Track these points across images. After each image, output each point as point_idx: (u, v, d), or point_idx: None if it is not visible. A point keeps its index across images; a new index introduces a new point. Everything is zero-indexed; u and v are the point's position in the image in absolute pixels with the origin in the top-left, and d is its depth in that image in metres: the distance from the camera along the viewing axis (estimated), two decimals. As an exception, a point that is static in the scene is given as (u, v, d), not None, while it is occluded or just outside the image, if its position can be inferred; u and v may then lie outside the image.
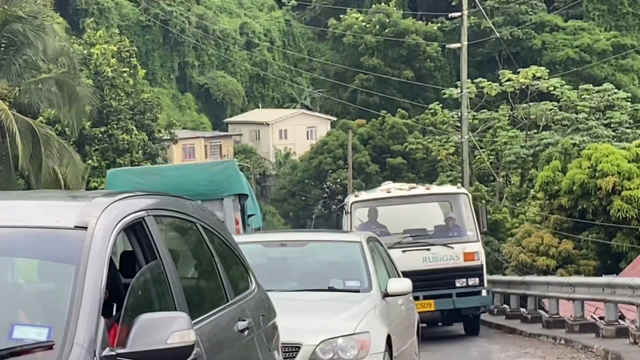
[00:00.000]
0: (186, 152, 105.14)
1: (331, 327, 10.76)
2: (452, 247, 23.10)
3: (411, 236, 23.36)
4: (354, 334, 10.66)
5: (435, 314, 23.79)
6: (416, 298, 19.29)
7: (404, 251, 22.46)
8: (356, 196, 24.70)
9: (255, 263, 12.48)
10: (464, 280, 23.06)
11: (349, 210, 23.71)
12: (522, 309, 26.71)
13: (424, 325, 23.85)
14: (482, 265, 23.42)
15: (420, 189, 25.56)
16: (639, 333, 17.81)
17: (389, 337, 11.07)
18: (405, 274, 18.33)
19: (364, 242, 12.72)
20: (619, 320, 20.06)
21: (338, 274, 12.52)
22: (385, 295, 12.08)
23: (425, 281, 21.92)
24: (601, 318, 21.48)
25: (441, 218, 24.48)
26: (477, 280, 23.15)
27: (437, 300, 22.85)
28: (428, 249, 23.09)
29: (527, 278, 27.87)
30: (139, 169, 40.07)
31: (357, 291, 11.94)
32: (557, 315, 23.53)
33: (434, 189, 27.18)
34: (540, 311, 25.15)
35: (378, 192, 25.34)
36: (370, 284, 12.02)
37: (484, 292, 23.48)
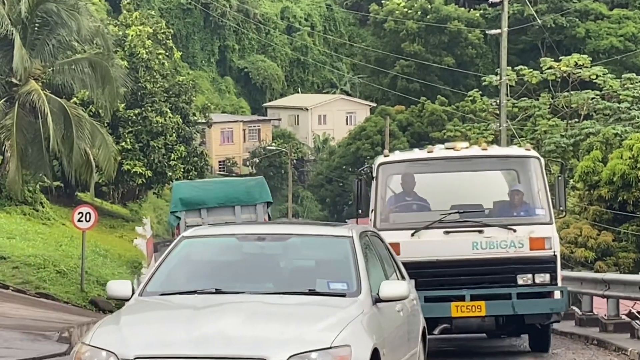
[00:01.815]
0: (224, 135, 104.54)
1: (304, 339, 8.94)
2: (515, 230, 16.85)
3: (458, 212, 17.27)
4: (331, 347, 8.85)
5: (487, 322, 17.41)
6: (461, 298, 16.64)
7: (446, 232, 16.87)
8: (386, 156, 18.29)
9: (227, 260, 10.90)
10: (529, 276, 16.86)
11: (375, 175, 17.78)
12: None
13: (470, 335, 19.79)
14: (555, 256, 16.95)
15: (475, 150, 18.62)
16: (676, 335, 16.73)
17: (375, 351, 9.33)
18: (448, 264, 16.62)
19: (356, 237, 10.76)
20: (656, 321, 18.95)
21: (322, 274, 10.29)
22: (377, 300, 10.19)
23: (475, 275, 16.85)
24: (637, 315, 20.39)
25: (504, 191, 18.12)
26: (547, 276, 16.86)
27: (490, 303, 16.74)
28: (480, 231, 16.88)
29: (561, 273, 26.60)
30: (197, 182, 44.67)
31: (344, 295, 10.03)
32: (591, 313, 22.35)
33: (495, 149, 20.01)
34: (574, 307, 23.80)
35: (417, 152, 19.12)
36: (359, 286, 10.10)
37: (557, 294, 16.96)
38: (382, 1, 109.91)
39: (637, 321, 19.18)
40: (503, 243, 16.88)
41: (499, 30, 50.61)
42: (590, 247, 49.68)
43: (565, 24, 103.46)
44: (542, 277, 16.87)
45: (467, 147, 18.44)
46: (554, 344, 18.83)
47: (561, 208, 18.24)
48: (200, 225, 39.93)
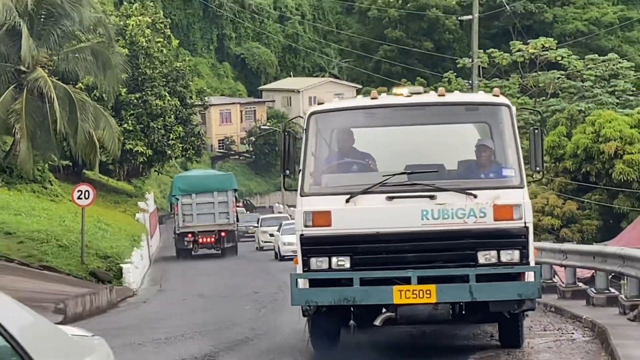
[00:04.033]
0: (223, 116, 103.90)
1: None
2: (475, 196, 12.35)
3: (405, 173, 12.73)
4: None
5: (440, 310, 12.45)
6: (406, 280, 12.26)
7: (389, 198, 12.40)
8: (319, 104, 13.75)
9: None
10: (493, 253, 12.39)
11: (305, 127, 13.22)
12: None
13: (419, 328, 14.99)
14: (526, 228, 12.45)
15: (430, 96, 13.73)
16: (628, 303, 16.11)
17: None
18: (391, 238, 12.32)
19: None
20: (610, 289, 18.31)
21: None
22: None
23: (424, 252, 12.40)
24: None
25: (470, 148, 13.32)
26: (515, 254, 12.38)
27: (442, 287, 12.26)
28: (432, 197, 12.37)
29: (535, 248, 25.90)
30: (188, 175, 51.30)
31: None
32: (550, 281, 21.72)
33: (455, 95, 15.21)
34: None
35: (359, 100, 14.60)
36: None
37: (528, 276, 12.48)
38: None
39: (592, 289, 18.54)
40: (460, 212, 12.32)
41: (471, 16, 50.13)
42: (556, 215, 49.31)
43: (534, 10, 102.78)
44: (510, 255, 12.36)
45: (420, 93, 13.60)
46: None
47: (537, 168, 12.87)
48: (191, 204, 44.64)
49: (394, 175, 12.69)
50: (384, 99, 13.65)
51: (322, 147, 13.52)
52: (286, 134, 13.25)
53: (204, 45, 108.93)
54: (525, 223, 12.49)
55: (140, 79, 54.83)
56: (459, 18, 65.40)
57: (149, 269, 40.44)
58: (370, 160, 13.50)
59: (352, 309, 12.80)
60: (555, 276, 23.80)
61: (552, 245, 23.06)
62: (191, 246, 45.99)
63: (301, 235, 12.70)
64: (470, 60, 53.76)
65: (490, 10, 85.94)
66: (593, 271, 21.21)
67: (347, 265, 12.50)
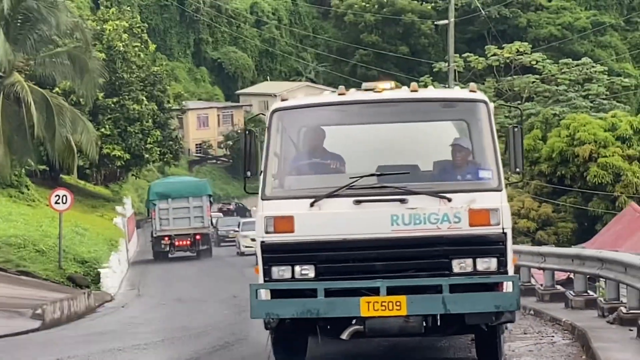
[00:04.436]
0: (200, 120, 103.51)
1: None
2: (450, 200, 11.44)
3: (374, 175, 11.78)
4: None
5: (412, 323, 11.54)
6: (374, 291, 11.27)
7: (357, 202, 11.46)
8: (283, 100, 12.51)
9: None
10: (469, 261, 11.45)
11: (268, 124, 12.24)
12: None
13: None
14: (504, 234, 11.46)
15: (404, 92, 12.46)
16: (607, 306, 16.05)
17: None
18: (358, 245, 11.37)
19: None
20: (588, 291, 18.26)
21: None
22: None
23: (394, 260, 11.43)
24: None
25: (448, 148, 12.26)
26: (493, 262, 11.40)
27: (413, 298, 11.31)
28: (403, 201, 11.43)
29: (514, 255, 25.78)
30: (165, 181, 52.94)
31: None
32: (529, 283, 21.64)
33: (430, 91, 13.83)
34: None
35: (325, 96, 13.23)
36: None
37: (507, 285, 11.44)
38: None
39: (571, 291, 18.48)
40: (433, 216, 11.37)
41: (446, 21, 50.17)
42: (532, 218, 49.36)
43: (509, 15, 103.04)
44: (486, 263, 11.38)
45: (392, 89, 12.44)
46: None
47: (517, 169, 11.78)
48: (167, 209, 45.14)
49: (362, 177, 11.63)
50: (353, 95, 12.52)
51: (285, 146, 12.41)
52: (248, 133, 12.38)
53: (181, 49, 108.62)
54: (503, 229, 11.41)
55: (117, 83, 54.55)
56: (435, 23, 65.54)
57: (127, 273, 40.19)
58: (338, 161, 12.42)
59: (317, 321, 11.71)
60: (532, 278, 23.76)
61: (530, 248, 22.99)
62: (168, 249, 46.77)
63: (262, 242, 11.66)
64: (446, 64, 53.78)
65: (466, 15, 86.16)
66: (569, 273, 21.16)
67: (312, 274, 11.50)
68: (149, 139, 54.94)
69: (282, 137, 12.34)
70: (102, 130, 53.85)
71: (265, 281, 11.63)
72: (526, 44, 70.44)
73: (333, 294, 11.39)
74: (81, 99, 46.45)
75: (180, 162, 79.58)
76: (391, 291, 11.25)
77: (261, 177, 11.92)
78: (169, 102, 58.37)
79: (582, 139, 48.93)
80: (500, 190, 11.52)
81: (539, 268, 20.60)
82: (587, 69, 66.22)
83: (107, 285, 31.28)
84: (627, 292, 15.41)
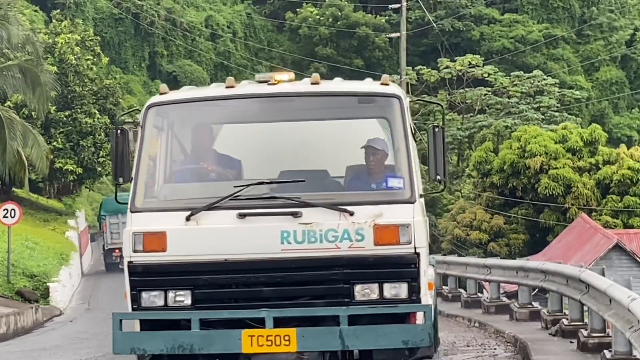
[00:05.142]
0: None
1: None
2: (351, 213, 9.65)
3: (263, 183, 9.94)
4: None
5: None
6: (259, 322, 9.54)
7: (241, 216, 9.67)
8: (162, 93, 10.69)
9: None
10: (374, 287, 9.70)
11: (141, 123, 10.38)
12: (445, 287, 24.32)
13: None
14: (416, 254, 9.71)
15: (304, 85, 10.62)
16: (550, 318, 16.03)
17: None
18: (242, 268, 9.60)
19: None
20: (532, 303, 18.25)
21: None
22: None
23: (283, 286, 9.72)
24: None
25: (360, 151, 10.44)
26: (402, 288, 9.69)
27: (305, 331, 9.51)
28: (296, 214, 9.65)
29: (448, 258, 25.87)
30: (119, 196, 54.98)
31: None
32: (475, 295, 21.62)
33: (336, 85, 10.94)
34: (461, 290, 23.06)
35: (212, 88, 11.16)
36: None
37: (419, 317, 9.66)
38: (297, 9, 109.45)
39: (516, 303, 18.46)
40: (331, 234, 9.56)
41: (398, 34, 50.27)
42: (484, 229, 49.55)
43: (462, 28, 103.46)
44: (395, 289, 9.61)
45: (290, 81, 10.46)
46: (439, 326, 13.37)
47: (438, 176, 9.94)
48: (117, 223, 45.34)
49: (247, 185, 9.77)
50: (243, 87, 10.71)
51: (163, 148, 10.62)
52: (120, 132, 10.32)
53: (136, 62, 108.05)
54: (415, 248, 9.63)
55: (69, 96, 54.10)
56: (388, 36, 65.64)
57: (78, 287, 39.80)
58: (232, 166, 10.61)
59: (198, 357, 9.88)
60: (484, 290, 23.78)
61: (476, 260, 23.00)
62: (118, 260, 46.79)
63: (129, 262, 9.94)
64: (399, 77, 53.85)
65: (419, 27, 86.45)
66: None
67: (188, 301, 9.76)
68: (101, 152, 54.46)
69: (159, 137, 10.57)
70: (55, 143, 53.35)
71: (133, 309, 9.98)
72: (478, 56, 70.73)
73: (213, 325, 9.69)
74: (33, 113, 46.04)
75: (135, 175, 78.98)
76: (280, 322, 9.50)
77: (132, 185, 10.25)
78: (122, 115, 57.88)
79: (533, 150, 49.19)
80: (412, 202, 9.76)
81: (485, 280, 20.59)
82: (539, 82, 66.64)
83: (56, 300, 30.93)
84: (569, 304, 15.40)
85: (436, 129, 10.05)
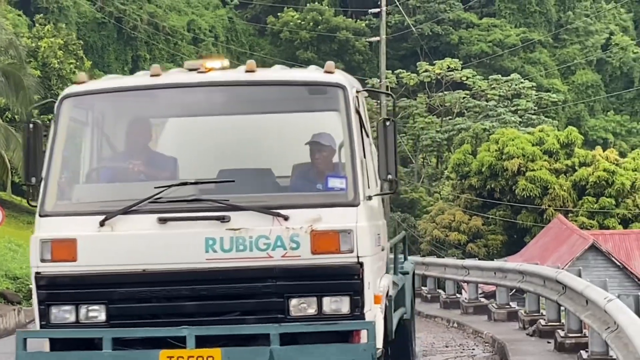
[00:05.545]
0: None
1: None
2: (286, 218, 8.52)
3: (188, 184, 8.82)
4: None
5: None
6: (180, 341, 8.38)
7: (162, 221, 8.56)
8: (80, 83, 9.47)
9: None
10: (311, 301, 8.58)
11: (55, 116, 9.17)
12: (424, 288, 24.26)
13: None
14: (359, 264, 8.54)
15: (237, 73, 9.32)
16: (527, 318, 16.03)
17: None
18: (162, 280, 8.52)
19: None
20: (510, 304, 18.26)
21: None
22: None
23: (208, 300, 8.62)
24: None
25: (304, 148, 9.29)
26: (344, 302, 8.56)
27: (231, 352, 8.36)
28: (223, 219, 8.53)
29: (427, 259, 25.91)
30: None
31: None
32: (454, 296, 21.61)
33: (274, 72, 9.57)
34: (440, 290, 23.08)
35: (136, 77, 9.95)
36: None
37: (362, 336, 8.40)
38: (278, 14, 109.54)
39: (494, 304, 18.46)
40: (262, 241, 8.47)
41: (378, 38, 50.32)
42: (463, 231, 49.66)
43: (441, 32, 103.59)
44: (336, 304, 8.50)
45: (223, 68, 9.27)
46: (418, 327, 13.91)
47: (389, 176, 8.71)
48: None
49: (168, 186, 8.59)
50: (170, 76, 9.37)
51: (79, 145, 9.51)
52: (32, 126, 9.13)
53: (119, 66, 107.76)
54: (358, 257, 8.47)
55: (53, 100, 54.15)
56: (368, 40, 65.84)
57: (61, 289, 39.59)
58: (164, 165, 9.36)
59: None
60: (462, 291, 23.77)
61: (455, 261, 23.01)
62: None
63: (37, 273, 8.80)
64: (379, 80, 53.91)
65: (399, 32, 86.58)
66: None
67: (102, 317, 8.66)
68: (84, 155, 54.58)
69: (75, 132, 9.44)
70: (38, 147, 53.33)
71: (42, 326, 8.80)
72: (457, 60, 70.93)
73: (129, 344, 8.56)
74: (16, 116, 45.87)
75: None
76: (203, 341, 8.33)
77: (41, 186, 8.96)
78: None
79: (510, 153, 49.33)
80: (356, 205, 8.55)
81: (463, 281, 20.60)
82: (516, 85, 66.86)
83: (39, 302, 30.71)
84: (546, 305, 15.40)
85: (387, 123, 8.77)
